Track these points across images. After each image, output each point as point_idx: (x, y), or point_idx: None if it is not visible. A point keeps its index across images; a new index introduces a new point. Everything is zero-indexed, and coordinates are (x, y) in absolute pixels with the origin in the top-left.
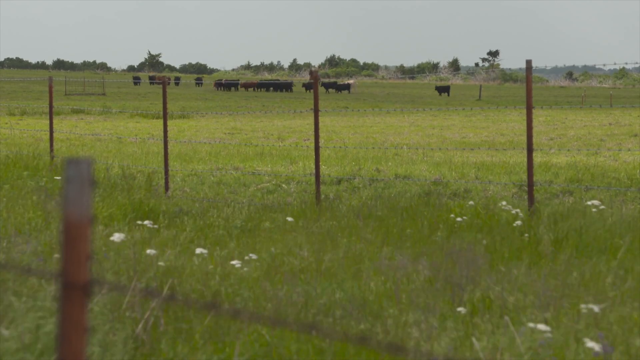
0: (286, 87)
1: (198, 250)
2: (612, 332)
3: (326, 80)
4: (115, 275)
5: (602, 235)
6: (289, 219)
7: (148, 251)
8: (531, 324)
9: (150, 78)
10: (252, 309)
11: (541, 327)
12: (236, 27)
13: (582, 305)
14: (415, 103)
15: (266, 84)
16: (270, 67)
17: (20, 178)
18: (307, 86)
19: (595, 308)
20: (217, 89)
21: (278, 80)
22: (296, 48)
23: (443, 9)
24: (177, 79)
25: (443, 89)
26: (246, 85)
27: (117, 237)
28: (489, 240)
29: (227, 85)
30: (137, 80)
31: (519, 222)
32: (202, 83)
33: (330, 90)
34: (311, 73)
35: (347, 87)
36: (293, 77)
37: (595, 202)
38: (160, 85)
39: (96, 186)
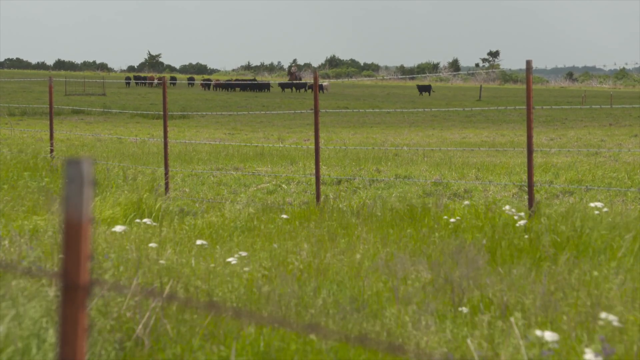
0: (264, 87)
1: (198, 242)
2: (611, 333)
3: (297, 80)
4: (116, 275)
5: (603, 235)
6: (286, 216)
7: (149, 247)
8: (538, 332)
9: (135, 78)
10: (251, 309)
11: (548, 335)
12: (236, 27)
13: (602, 315)
14: (415, 103)
15: (247, 84)
16: (271, 68)
17: (20, 178)
18: (283, 85)
19: (615, 321)
20: (204, 89)
21: (254, 80)
22: (296, 48)
23: (443, 9)
24: (173, 79)
25: (424, 88)
26: (227, 85)
27: (118, 228)
28: (489, 240)
29: (211, 85)
30: (128, 81)
31: (519, 223)
32: (194, 83)
33: (300, 90)
34: (290, 73)
35: (320, 87)
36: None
37: (599, 204)
38: (151, 86)
39: (96, 186)
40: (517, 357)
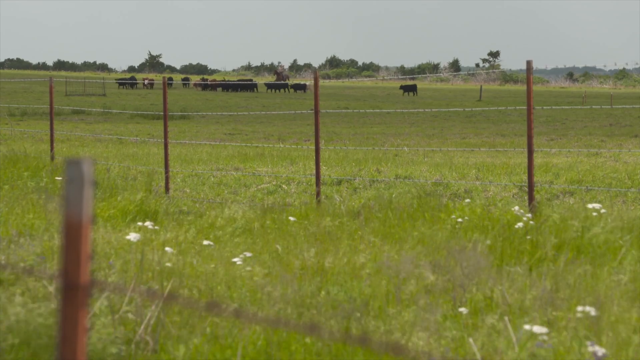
0: (251, 87)
1: (206, 242)
2: (610, 334)
3: (283, 81)
4: (118, 276)
5: (603, 236)
6: (291, 218)
7: (151, 248)
8: (527, 326)
9: (120, 79)
10: (252, 310)
11: (537, 329)
12: (237, 27)
13: (579, 308)
14: (415, 104)
15: (233, 84)
16: (271, 68)
17: (20, 178)
18: (269, 86)
19: (592, 311)
20: (196, 89)
21: (251, 80)
22: (297, 49)
23: (443, 9)
24: (170, 79)
25: (409, 88)
26: (217, 85)
27: (132, 236)
28: (490, 241)
29: (203, 85)
30: (130, 82)
31: (520, 224)
32: (188, 84)
33: (281, 90)
34: (277, 73)
35: (303, 87)
36: (293, 77)
37: (597, 205)
38: (145, 87)
39: (96, 187)
40: (514, 355)
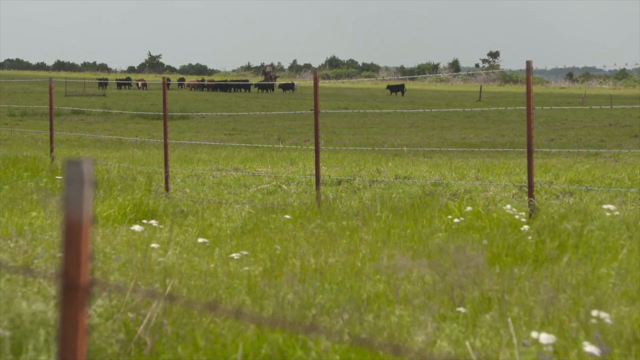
0: (245, 87)
1: (200, 241)
2: (611, 333)
3: (272, 81)
4: (118, 275)
5: (603, 236)
6: (288, 216)
7: (151, 248)
8: (534, 334)
9: (100, 79)
10: (252, 310)
11: (544, 336)
12: (237, 27)
13: (594, 312)
14: (415, 104)
15: (226, 84)
16: (271, 68)
17: (20, 179)
18: (260, 86)
19: (607, 318)
20: (190, 89)
21: (247, 80)
22: (297, 49)
23: (443, 10)
24: (169, 80)
25: (396, 88)
26: (210, 86)
27: (137, 228)
28: (489, 240)
29: (196, 85)
30: (121, 82)
31: (520, 224)
32: (183, 84)
33: (269, 90)
34: (265, 73)
35: (291, 86)
36: (293, 77)
37: (611, 206)
38: (143, 88)
39: (96, 187)
40: (514, 355)
